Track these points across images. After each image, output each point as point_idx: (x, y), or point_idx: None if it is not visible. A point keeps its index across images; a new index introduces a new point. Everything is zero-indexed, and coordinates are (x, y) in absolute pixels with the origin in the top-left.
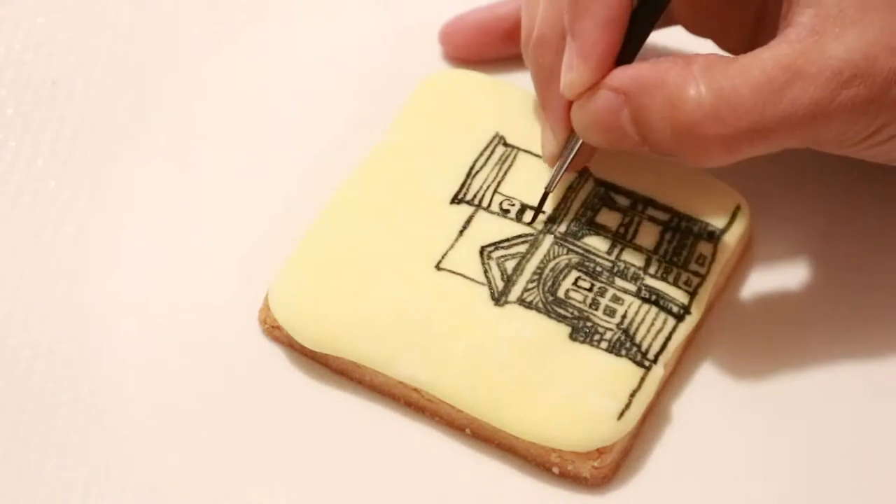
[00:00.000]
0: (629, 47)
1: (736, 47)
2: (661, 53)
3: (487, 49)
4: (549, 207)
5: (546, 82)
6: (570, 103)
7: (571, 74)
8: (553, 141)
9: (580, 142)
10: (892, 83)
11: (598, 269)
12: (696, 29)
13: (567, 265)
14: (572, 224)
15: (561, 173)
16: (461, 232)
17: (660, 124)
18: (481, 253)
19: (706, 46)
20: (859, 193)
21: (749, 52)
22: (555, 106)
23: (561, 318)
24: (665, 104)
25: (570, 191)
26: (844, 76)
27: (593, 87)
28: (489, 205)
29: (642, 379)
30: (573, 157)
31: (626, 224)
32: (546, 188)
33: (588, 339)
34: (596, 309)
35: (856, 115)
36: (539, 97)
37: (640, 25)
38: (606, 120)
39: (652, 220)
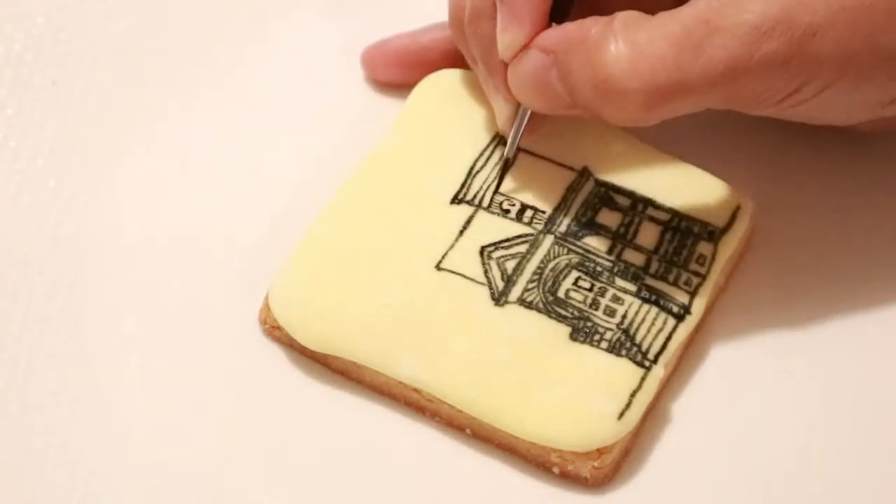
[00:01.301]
0: (562, 5)
1: None
2: None
3: (408, 75)
4: (549, 207)
5: (488, 51)
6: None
7: (505, 36)
8: (504, 106)
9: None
10: (809, 37)
11: (599, 269)
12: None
13: (567, 265)
14: (572, 224)
15: (517, 140)
16: (461, 232)
17: (581, 81)
18: (481, 253)
19: None
20: (859, 193)
21: (669, 10)
22: (500, 71)
23: (561, 318)
24: (586, 61)
25: (570, 191)
26: (762, 30)
27: (525, 47)
28: (489, 205)
29: (642, 379)
30: (526, 122)
31: (626, 224)
32: (505, 155)
33: (588, 339)
34: (596, 309)
35: (775, 70)
36: (483, 67)
37: None
38: (537, 80)
39: (652, 220)
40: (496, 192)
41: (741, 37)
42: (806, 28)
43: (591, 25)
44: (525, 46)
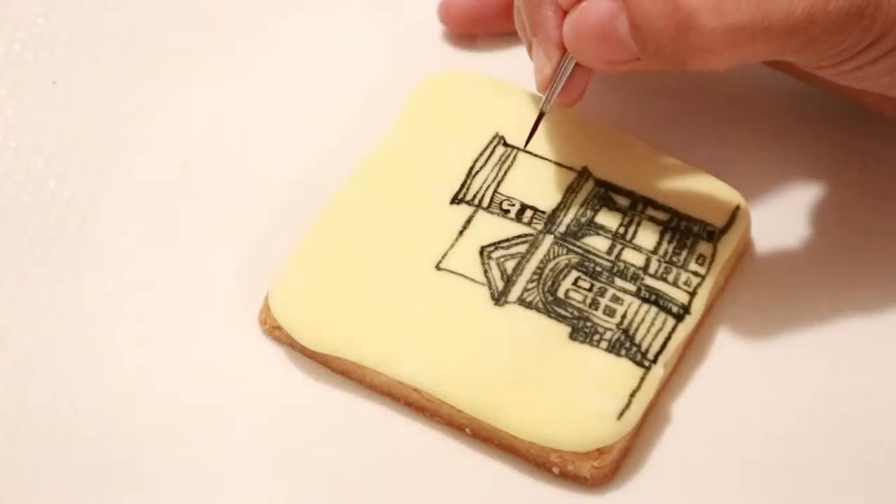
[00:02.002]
0: None
1: None
2: None
3: (486, 23)
4: (549, 207)
5: (535, 5)
6: (562, 22)
7: None
8: (546, 62)
9: (573, 63)
10: None
11: (598, 269)
12: None
13: (567, 265)
14: (572, 224)
15: (554, 96)
16: (461, 232)
17: (659, 23)
18: (481, 253)
19: None
20: (860, 193)
21: None
22: (547, 26)
23: (561, 318)
24: (665, 1)
25: (570, 191)
26: None
27: None
28: (489, 205)
29: (642, 379)
30: (566, 81)
31: (626, 224)
32: (541, 109)
33: (588, 339)
34: (596, 309)
35: (850, 20)
36: (529, 23)
37: None
38: (602, 29)
39: (652, 220)
40: (526, 145)
41: None
42: None
43: None
44: None
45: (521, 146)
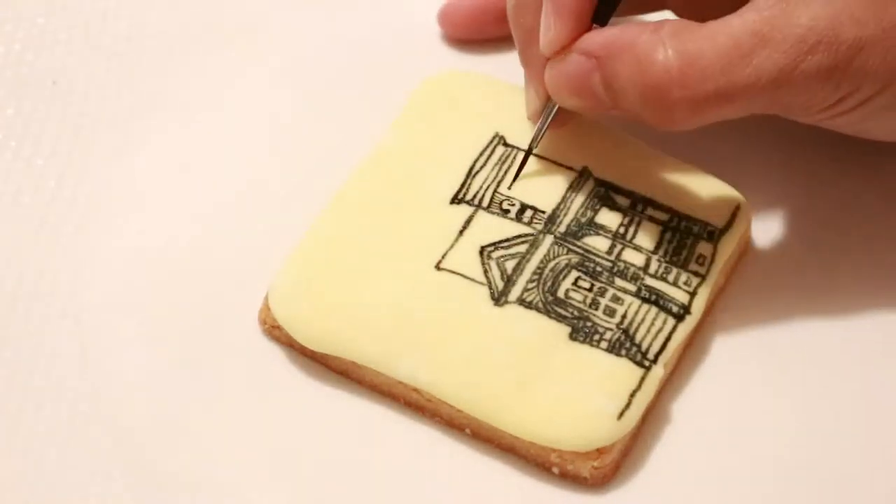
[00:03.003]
0: (604, 8)
1: None
2: None
3: (485, 28)
4: (549, 207)
5: (527, 43)
6: None
7: (549, 34)
8: (535, 99)
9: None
10: (855, 52)
11: (598, 269)
12: (682, 13)
13: (567, 265)
14: (572, 224)
15: (543, 131)
16: (461, 232)
17: (628, 87)
18: (481, 253)
19: None
20: (860, 193)
21: (718, 19)
22: (536, 65)
23: (561, 318)
24: (634, 67)
25: (570, 191)
26: (808, 43)
27: (565, 49)
28: (489, 205)
29: (642, 379)
30: (554, 116)
31: (626, 224)
32: (529, 145)
33: (588, 339)
34: (596, 309)
35: (819, 82)
36: (521, 57)
37: None
38: (578, 83)
39: (652, 220)
40: (514, 180)
41: (787, 49)
42: (853, 42)
43: (638, 32)
44: (566, 47)
45: (521, 146)
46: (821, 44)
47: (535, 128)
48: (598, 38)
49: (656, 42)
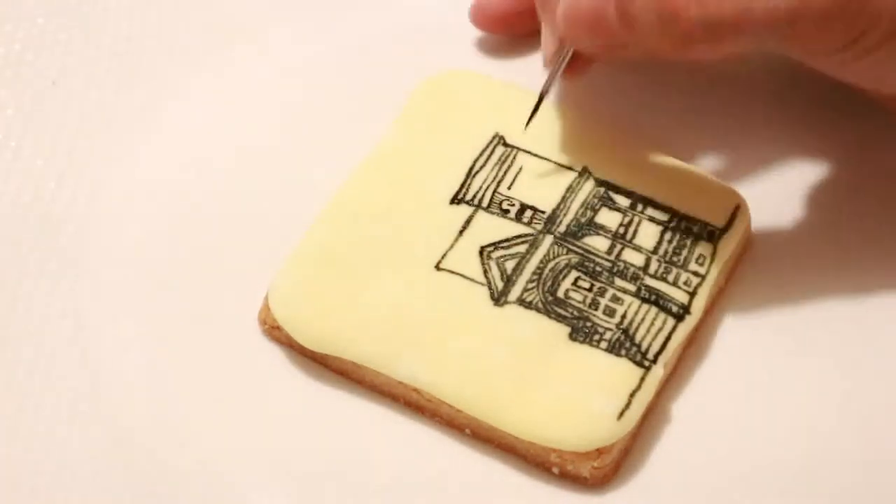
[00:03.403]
0: None
1: None
2: None
3: (518, 21)
4: (549, 207)
5: None
6: None
7: None
8: (551, 41)
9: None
10: None
11: (598, 269)
12: None
13: (567, 265)
14: (572, 224)
15: (557, 74)
16: (461, 232)
17: (644, 11)
18: (481, 253)
19: None
20: (860, 193)
21: None
22: (552, 8)
23: (561, 318)
24: None
25: (570, 191)
26: None
27: None
28: (489, 205)
29: (642, 379)
30: (568, 61)
31: (626, 224)
32: (542, 90)
33: (588, 339)
34: (596, 309)
35: (834, 16)
36: (538, 1)
37: None
38: (593, 14)
39: (652, 220)
40: (527, 124)
41: None
42: None
43: None
44: None
45: (521, 146)
46: None
47: (550, 72)
48: None
49: None
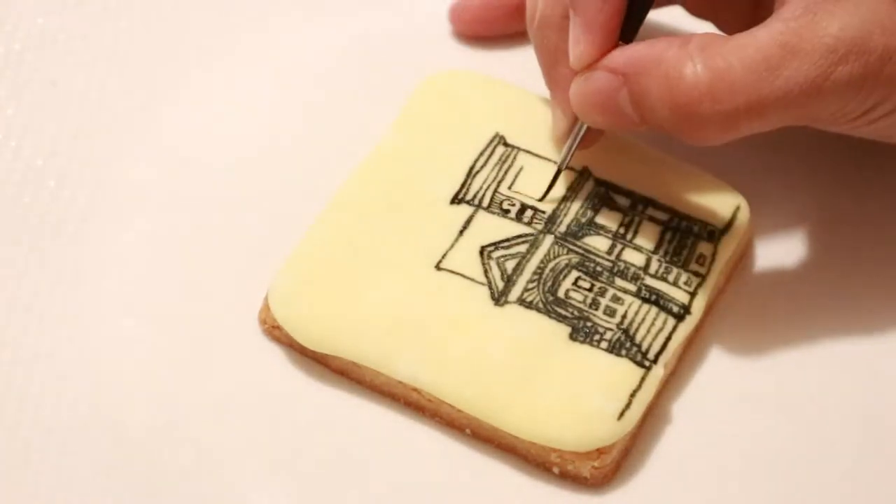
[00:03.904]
0: (630, 25)
1: (734, 27)
2: (661, 34)
3: (496, 24)
4: (548, 207)
5: (552, 63)
6: None
7: (577, 48)
8: (562, 119)
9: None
10: (885, 61)
11: (599, 269)
12: (694, 9)
13: (567, 265)
14: (572, 224)
15: (572, 152)
16: (461, 232)
17: (658, 104)
18: (481, 253)
19: (705, 27)
20: (860, 193)
21: (745, 31)
22: (562, 85)
23: (561, 318)
24: (662, 84)
25: (570, 191)
26: (839, 53)
27: (591, 67)
28: (489, 205)
29: (642, 379)
30: (582, 137)
31: (626, 224)
32: (559, 166)
33: (588, 339)
34: (596, 309)
35: (850, 92)
36: (546, 78)
37: (640, 1)
38: (605, 100)
39: (652, 220)
40: (543, 198)
41: (817, 61)
42: (882, 51)
43: (665, 47)
44: (595, 62)
45: (521, 146)
46: (851, 54)
47: (564, 149)
48: (624, 54)
49: (684, 57)
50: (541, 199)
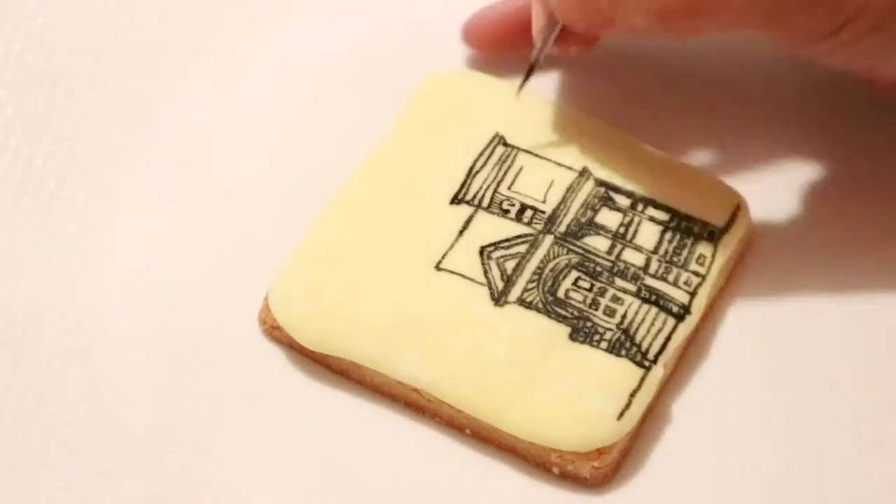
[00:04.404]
0: None
1: None
2: None
3: (509, 42)
4: (549, 207)
5: None
6: None
7: None
8: (541, 14)
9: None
10: None
11: (598, 269)
12: None
13: (567, 265)
14: (572, 224)
15: (546, 46)
16: (461, 232)
17: None
18: (481, 253)
19: None
20: (861, 193)
21: None
22: None
23: (561, 319)
24: None
25: (570, 191)
26: None
27: None
28: (489, 205)
29: (642, 379)
30: (557, 35)
31: (626, 224)
32: (531, 61)
33: (588, 340)
34: (596, 309)
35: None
36: None
37: None
38: None
39: (652, 220)
40: (520, 88)
41: None
42: None
43: None
44: None
45: (521, 146)
46: None
47: (537, 44)
48: None
49: None
50: (517, 94)
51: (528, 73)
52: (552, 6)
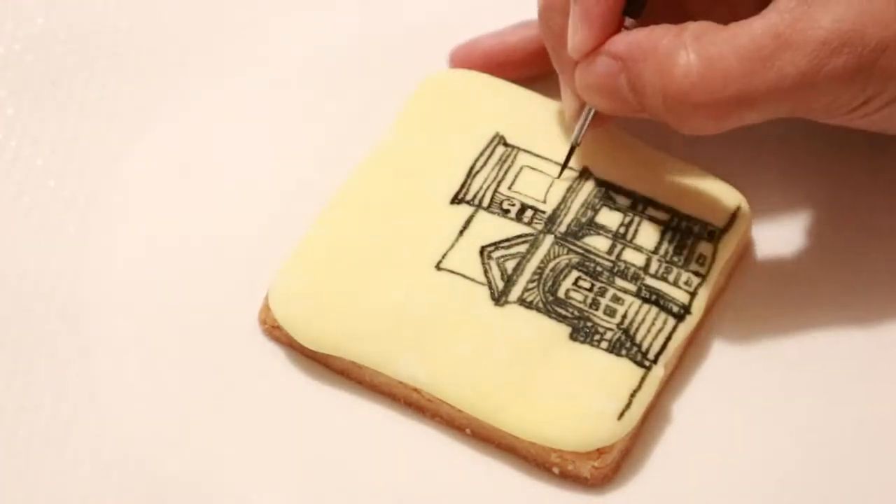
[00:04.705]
0: (634, 7)
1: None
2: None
3: (512, 68)
4: (549, 207)
5: (559, 46)
6: None
7: (576, 37)
8: (572, 100)
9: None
10: (879, 53)
11: (599, 268)
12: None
13: (567, 265)
14: (572, 224)
15: (583, 130)
16: (461, 232)
17: (651, 91)
18: (481, 253)
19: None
20: (860, 193)
21: (740, 21)
22: (569, 68)
23: (561, 318)
24: (656, 71)
25: (570, 191)
26: (832, 46)
27: (595, 51)
28: (489, 205)
29: (642, 379)
30: (591, 117)
31: (627, 224)
32: (571, 143)
33: (588, 339)
34: (596, 309)
35: (843, 85)
36: (554, 61)
37: None
38: (605, 85)
39: (652, 219)
40: (559, 175)
41: (810, 53)
42: (876, 44)
43: (661, 34)
44: (594, 49)
45: (521, 146)
46: (844, 46)
47: (576, 129)
48: (624, 40)
49: (678, 45)
50: (558, 177)
51: (569, 156)
52: (579, 91)
